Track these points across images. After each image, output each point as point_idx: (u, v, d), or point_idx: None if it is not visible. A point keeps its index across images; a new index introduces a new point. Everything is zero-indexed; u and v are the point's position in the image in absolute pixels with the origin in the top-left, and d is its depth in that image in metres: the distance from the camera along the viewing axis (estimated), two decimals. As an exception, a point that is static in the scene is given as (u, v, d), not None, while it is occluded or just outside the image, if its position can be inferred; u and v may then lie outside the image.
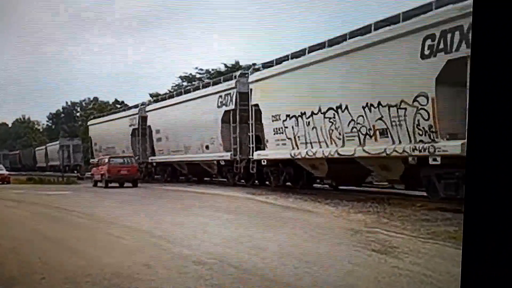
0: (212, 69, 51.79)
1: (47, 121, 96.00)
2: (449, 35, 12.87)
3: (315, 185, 21.67)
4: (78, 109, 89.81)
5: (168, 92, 43.82)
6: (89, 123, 45.90)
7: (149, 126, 33.28)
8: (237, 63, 48.08)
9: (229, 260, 7.55)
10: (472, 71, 1.82)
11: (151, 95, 52.84)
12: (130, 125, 35.65)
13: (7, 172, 40.27)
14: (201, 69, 53.82)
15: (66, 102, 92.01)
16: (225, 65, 49.69)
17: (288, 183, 21.39)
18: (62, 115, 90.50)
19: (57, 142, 57.22)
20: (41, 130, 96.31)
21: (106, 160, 29.92)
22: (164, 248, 8.91)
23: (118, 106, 60.07)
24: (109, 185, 28.70)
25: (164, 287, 6.20)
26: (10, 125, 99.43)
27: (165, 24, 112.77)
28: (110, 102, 74.03)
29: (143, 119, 34.13)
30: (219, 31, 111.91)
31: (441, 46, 13.12)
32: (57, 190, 27.17)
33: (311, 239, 9.58)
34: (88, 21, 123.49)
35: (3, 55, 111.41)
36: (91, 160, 42.42)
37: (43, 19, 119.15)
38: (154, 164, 32.94)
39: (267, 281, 6.45)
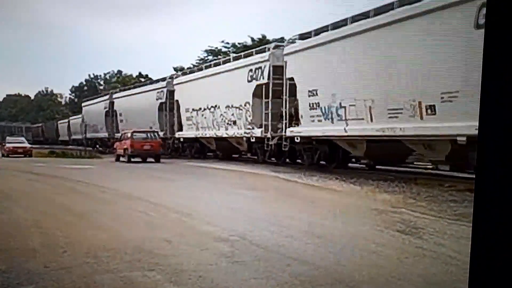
0: (239, 43, 51.18)
1: (70, 94, 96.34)
2: (257, 70, 23.52)
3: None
4: (101, 82, 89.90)
5: (192, 66, 44.86)
6: (82, 104, 54.72)
7: (115, 110, 42.52)
8: (264, 37, 47.44)
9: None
10: (484, 65, 1.80)
11: (175, 69, 52.77)
12: (104, 108, 44.55)
13: (29, 145, 40.64)
14: (227, 43, 53.24)
15: (89, 75, 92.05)
16: (252, 39, 49.10)
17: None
18: (85, 88, 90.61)
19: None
20: (63, 103, 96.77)
21: (129, 135, 29.90)
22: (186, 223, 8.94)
23: (142, 79, 60.17)
24: (132, 160, 28.84)
25: (185, 263, 6.15)
26: (32, 98, 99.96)
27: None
28: (134, 76, 74.11)
29: (112, 104, 43.29)
30: (245, 3, 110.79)
31: (254, 76, 23.72)
32: (79, 164, 27.41)
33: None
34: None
35: (25, 27, 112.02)
36: (83, 135, 49.72)
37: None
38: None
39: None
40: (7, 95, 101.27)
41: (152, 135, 30.48)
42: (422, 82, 14.35)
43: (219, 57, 42.74)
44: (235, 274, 5.76)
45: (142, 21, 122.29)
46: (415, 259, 6.41)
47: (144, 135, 30.28)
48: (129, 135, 29.97)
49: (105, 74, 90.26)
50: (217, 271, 5.87)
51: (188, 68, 41.83)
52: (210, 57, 50.35)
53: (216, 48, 53.43)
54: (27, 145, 39.87)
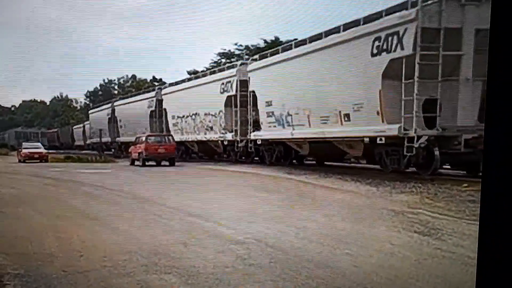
0: (252, 45, 51.04)
1: (85, 99, 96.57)
2: (227, 84, 27.78)
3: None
4: (116, 87, 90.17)
5: (205, 69, 45.48)
6: (90, 112, 59.53)
7: (116, 117, 46.57)
8: (277, 38, 47.27)
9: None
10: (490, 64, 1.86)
11: (188, 72, 52.86)
12: (107, 114, 48.41)
13: (45, 150, 40.76)
14: (240, 45, 53.13)
15: (103, 80, 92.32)
16: (265, 41, 48.99)
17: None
18: (100, 92, 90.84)
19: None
20: (78, 108, 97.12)
21: (144, 139, 29.89)
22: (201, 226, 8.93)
23: (156, 83, 60.42)
24: (146, 163, 28.85)
25: (201, 266, 6.13)
26: (48, 103, 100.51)
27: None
28: (148, 80, 74.24)
29: (113, 111, 47.18)
30: (258, 5, 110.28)
31: (225, 88, 27.97)
32: (94, 168, 27.52)
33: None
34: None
35: (40, 33, 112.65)
36: (88, 141, 55.78)
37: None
38: (119, 143, 44.94)
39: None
40: (23, 101, 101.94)
41: (166, 138, 30.51)
42: (341, 95, 18.01)
43: (232, 60, 42.94)
44: (252, 276, 5.73)
45: (157, 24, 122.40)
46: (433, 260, 6.33)
47: (158, 138, 30.31)
48: (143, 138, 29.95)
49: (119, 79, 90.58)
50: (233, 273, 5.84)
51: (202, 71, 42.41)
52: (224, 60, 50.34)
53: (229, 51, 53.48)
54: (43, 150, 39.95)
